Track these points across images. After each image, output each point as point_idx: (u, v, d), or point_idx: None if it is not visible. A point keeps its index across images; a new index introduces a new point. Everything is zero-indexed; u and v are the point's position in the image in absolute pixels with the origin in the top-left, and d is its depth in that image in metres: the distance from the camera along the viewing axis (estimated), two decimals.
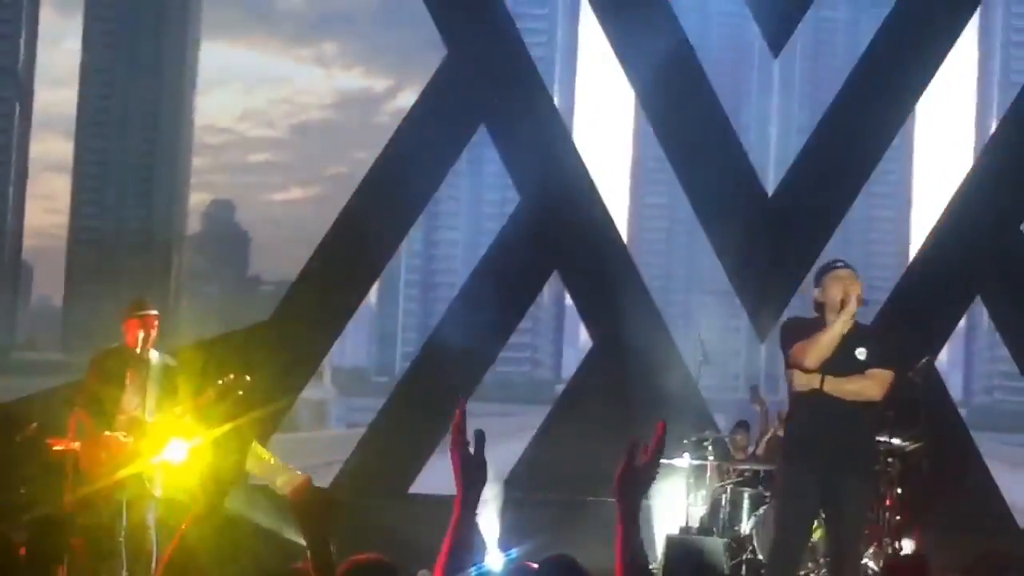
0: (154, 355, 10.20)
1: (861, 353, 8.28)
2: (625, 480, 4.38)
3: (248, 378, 10.06)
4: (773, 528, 8.96)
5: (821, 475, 8.27)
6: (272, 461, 9.35)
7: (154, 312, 10.27)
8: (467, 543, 4.35)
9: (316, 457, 16.08)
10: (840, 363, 8.25)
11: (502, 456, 13.89)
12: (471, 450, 4.42)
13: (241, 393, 9.95)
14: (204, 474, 4.50)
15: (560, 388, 16.90)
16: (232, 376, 10.03)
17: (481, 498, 4.38)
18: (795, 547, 8.58)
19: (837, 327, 8.20)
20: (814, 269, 8.79)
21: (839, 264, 8.48)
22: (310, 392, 14.76)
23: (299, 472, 9.13)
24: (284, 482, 9.09)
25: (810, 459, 8.31)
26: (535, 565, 4.89)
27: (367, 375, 44.87)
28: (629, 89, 14.80)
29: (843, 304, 8.22)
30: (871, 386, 8.30)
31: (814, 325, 8.34)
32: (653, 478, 4.42)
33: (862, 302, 8.29)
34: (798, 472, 8.40)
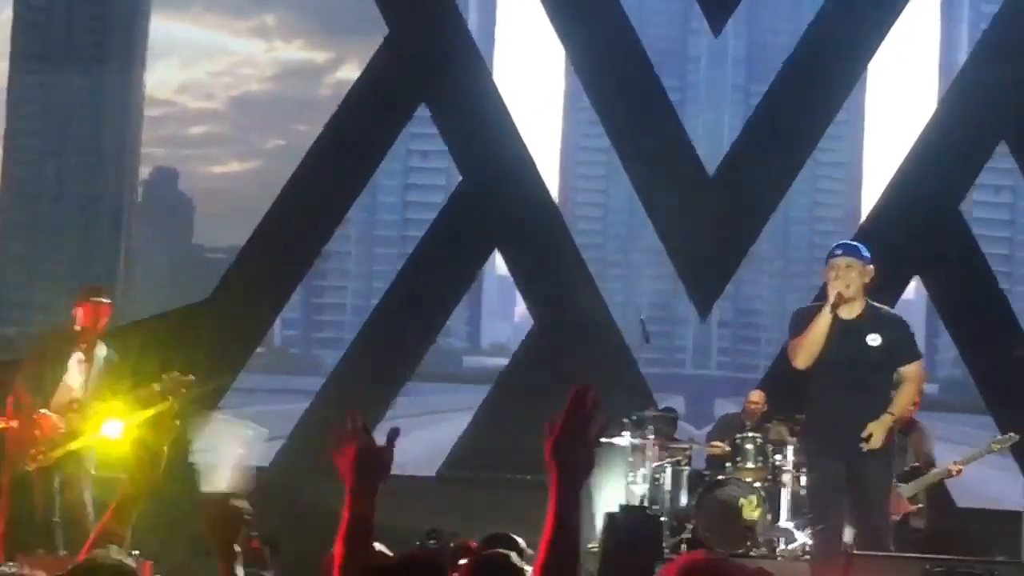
0: (100, 346, 10.13)
1: (874, 339, 7.98)
2: (565, 438, 3.54)
3: (191, 378, 9.89)
4: (812, 511, 8.78)
5: (844, 460, 8.03)
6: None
7: (108, 302, 10.22)
8: (365, 540, 3.96)
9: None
10: (852, 349, 7.97)
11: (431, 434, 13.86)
12: (378, 444, 3.94)
13: (184, 390, 9.79)
14: (138, 449, 4.46)
15: (473, 359, 16.89)
16: (176, 374, 9.86)
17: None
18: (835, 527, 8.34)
19: (819, 325, 7.89)
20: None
21: (837, 252, 8.11)
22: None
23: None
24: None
25: (831, 445, 8.10)
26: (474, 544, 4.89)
27: (303, 352, 44.48)
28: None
29: (838, 296, 7.89)
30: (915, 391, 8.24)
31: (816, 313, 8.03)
32: (595, 442, 3.58)
33: (843, 298, 7.91)
34: (822, 459, 8.24)
